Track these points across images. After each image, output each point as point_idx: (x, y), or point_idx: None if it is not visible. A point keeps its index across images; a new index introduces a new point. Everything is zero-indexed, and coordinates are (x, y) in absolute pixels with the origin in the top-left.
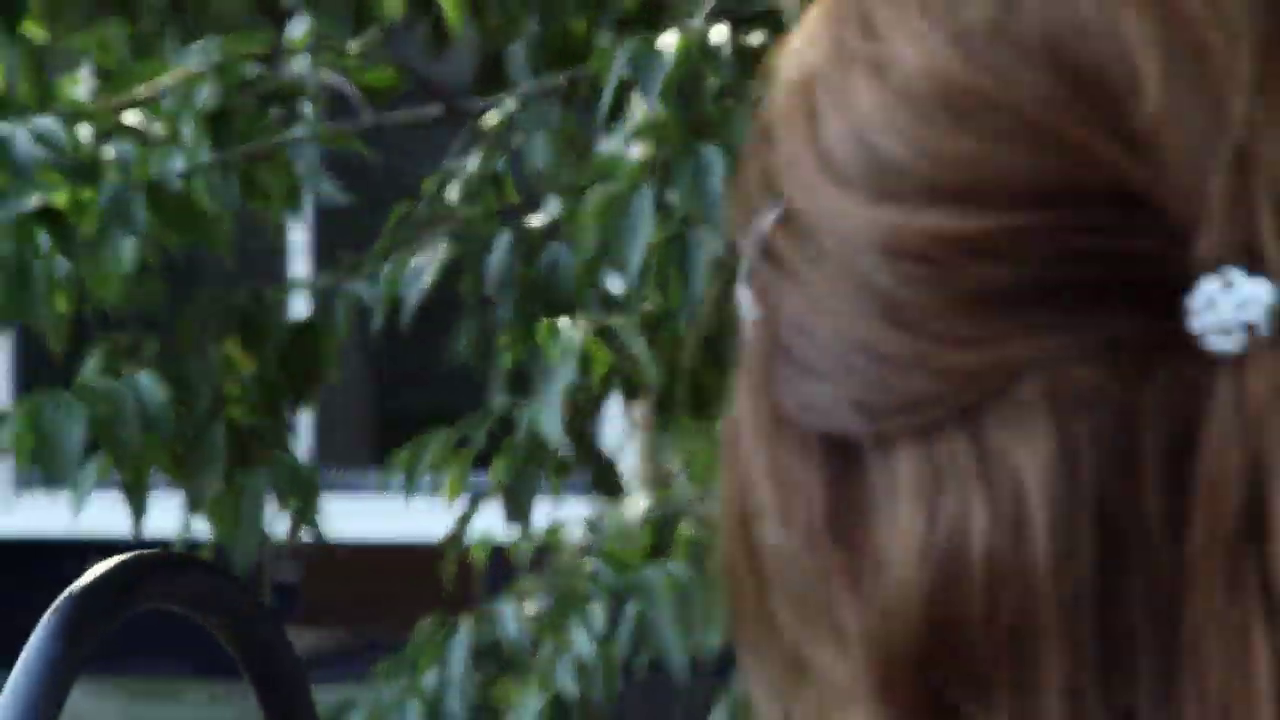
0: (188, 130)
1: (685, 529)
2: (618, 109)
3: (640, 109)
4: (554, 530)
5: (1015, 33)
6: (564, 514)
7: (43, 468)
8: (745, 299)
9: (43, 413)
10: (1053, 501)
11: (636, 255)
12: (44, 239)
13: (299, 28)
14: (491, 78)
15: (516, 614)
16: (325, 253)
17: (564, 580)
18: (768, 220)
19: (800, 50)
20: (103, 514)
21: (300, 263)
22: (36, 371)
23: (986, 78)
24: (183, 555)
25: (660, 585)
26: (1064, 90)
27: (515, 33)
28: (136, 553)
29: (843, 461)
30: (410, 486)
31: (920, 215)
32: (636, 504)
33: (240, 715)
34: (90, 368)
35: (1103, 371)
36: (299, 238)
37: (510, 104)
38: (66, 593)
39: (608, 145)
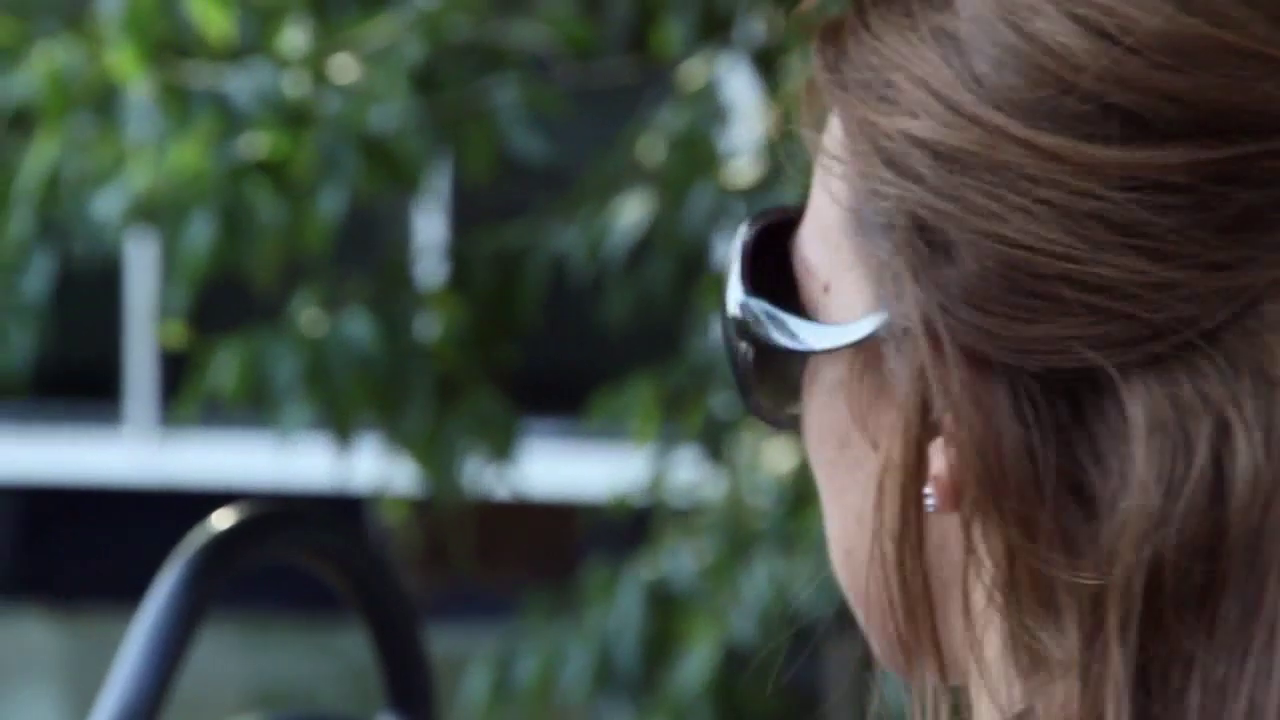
0: (395, 82)
1: None
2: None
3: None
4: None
5: None
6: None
7: (255, 404)
8: (924, 248)
9: (257, 352)
10: None
11: None
12: (257, 187)
13: None
14: (644, 44)
15: (688, 557)
16: (461, 210)
17: (733, 522)
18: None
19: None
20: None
21: (433, 220)
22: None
23: (1208, 23)
24: (297, 505)
25: (816, 532)
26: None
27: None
28: (250, 504)
29: (1064, 404)
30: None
31: (1174, 150)
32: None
33: (349, 655)
34: (301, 309)
35: None
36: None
37: (706, 64)
38: (190, 544)
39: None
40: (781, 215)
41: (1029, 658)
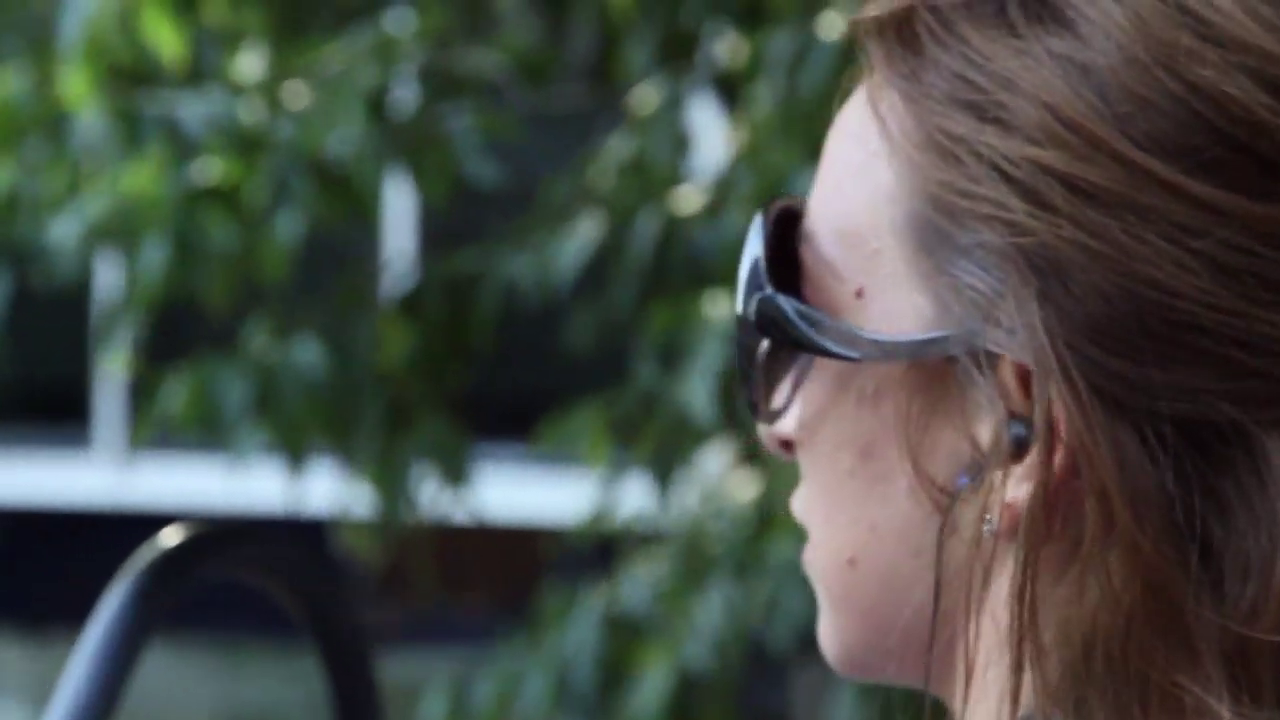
0: (349, 109)
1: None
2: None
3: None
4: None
5: None
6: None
7: (206, 431)
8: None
9: (207, 378)
10: None
11: None
12: (210, 213)
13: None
14: (605, 69)
15: (645, 583)
16: (428, 230)
17: (690, 549)
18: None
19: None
20: (252, 485)
21: (398, 238)
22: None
23: None
24: (248, 524)
25: (786, 559)
26: None
27: (631, 26)
28: (202, 523)
29: (1198, 452)
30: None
31: None
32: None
33: (310, 680)
34: (252, 336)
35: None
36: (398, 213)
37: (653, 90)
38: (136, 563)
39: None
40: (787, 208)
41: (1156, 697)
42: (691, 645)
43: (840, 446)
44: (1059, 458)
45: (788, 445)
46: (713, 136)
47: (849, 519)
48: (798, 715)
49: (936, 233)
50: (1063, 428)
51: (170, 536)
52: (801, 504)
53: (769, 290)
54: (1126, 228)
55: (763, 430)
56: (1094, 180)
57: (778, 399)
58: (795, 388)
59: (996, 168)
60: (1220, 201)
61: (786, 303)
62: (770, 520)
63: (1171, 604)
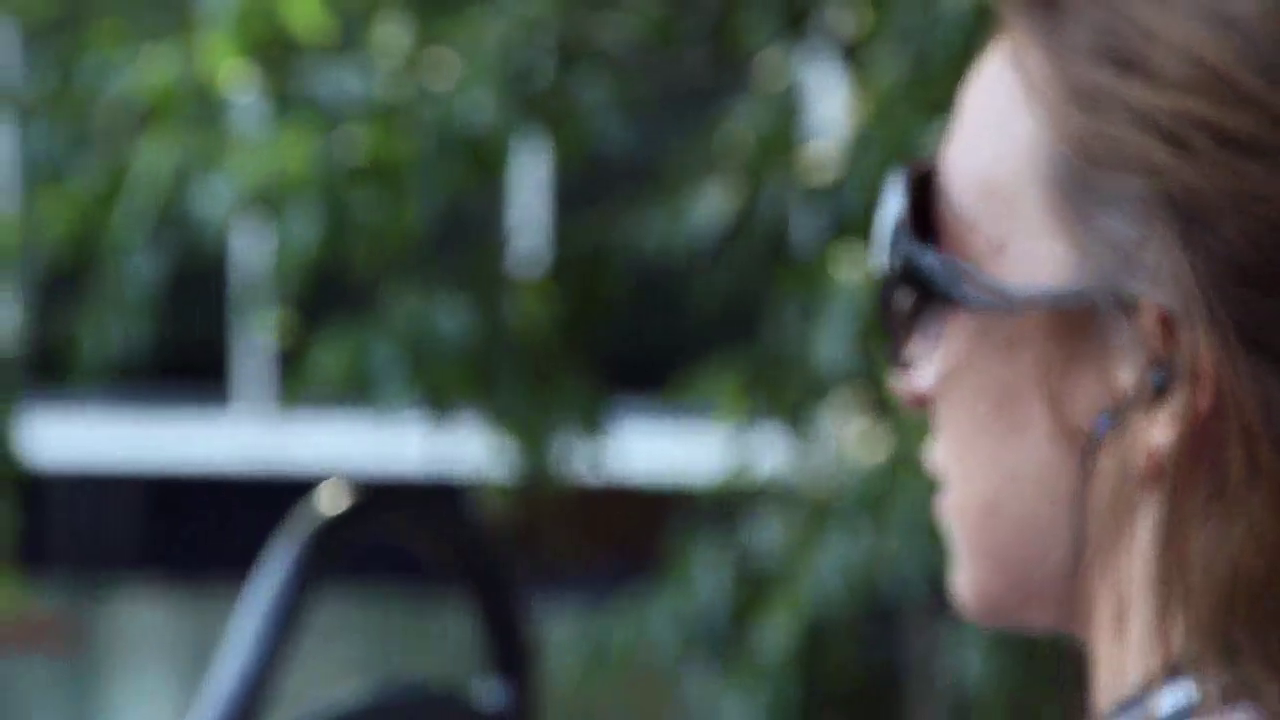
0: (491, 82)
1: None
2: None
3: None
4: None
5: None
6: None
7: (356, 391)
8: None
9: (357, 340)
10: None
11: None
12: (358, 186)
13: None
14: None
15: (773, 536)
16: (560, 196)
17: (816, 503)
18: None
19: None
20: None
21: (531, 204)
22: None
23: None
24: (406, 489)
25: (909, 513)
26: None
27: None
28: (367, 486)
29: None
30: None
31: None
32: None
33: (440, 643)
34: (398, 300)
35: None
36: (531, 180)
37: (776, 57)
38: (296, 524)
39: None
40: (922, 167)
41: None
42: (816, 596)
43: (979, 396)
44: (1203, 400)
45: (922, 400)
46: (831, 101)
47: (988, 467)
48: (917, 666)
49: (1078, 180)
50: (1206, 370)
51: (330, 500)
52: (939, 455)
53: (911, 245)
54: (1270, 172)
55: (900, 383)
56: (1238, 127)
57: (918, 352)
58: (936, 340)
59: (1141, 116)
60: None
61: (928, 256)
62: (895, 474)
63: None
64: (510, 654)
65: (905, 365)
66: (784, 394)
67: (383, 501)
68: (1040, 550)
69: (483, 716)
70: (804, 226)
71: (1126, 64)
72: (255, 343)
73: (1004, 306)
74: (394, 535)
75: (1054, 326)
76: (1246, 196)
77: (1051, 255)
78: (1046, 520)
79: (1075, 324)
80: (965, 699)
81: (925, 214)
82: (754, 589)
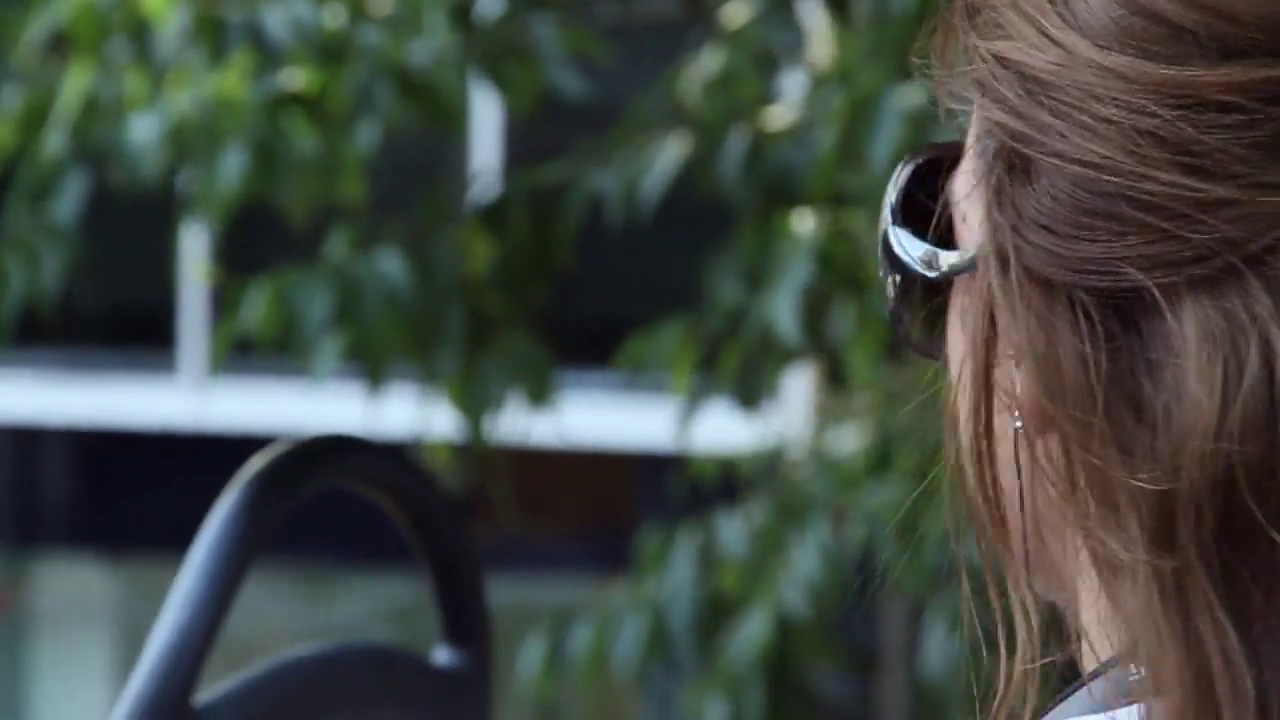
0: (434, 17)
1: (908, 450)
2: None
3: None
4: (776, 449)
5: None
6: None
7: (285, 343)
8: (977, 171)
9: (287, 289)
10: None
11: (883, 151)
12: (292, 120)
13: None
14: None
15: (740, 526)
16: (514, 145)
17: (786, 494)
18: (1008, 96)
19: None
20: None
21: (483, 152)
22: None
23: None
24: (359, 436)
25: (882, 501)
26: None
27: None
28: (315, 433)
29: (1116, 319)
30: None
31: (1220, 69)
32: (862, 419)
33: (403, 605)
34: (334, 248)
35: None
36: (484, 127)
37: (744, 4)
38: (246, 471)
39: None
40: (942, 151)
41: (1097, 565)
42: (788, 587)
43: (953, 362)
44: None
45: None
46: (800, 57)
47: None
48: (890, 653)
49: (978, 146)
50: (999, 313)
51: (274, 449)
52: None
53: (890, 225)
54: (1058, 107)
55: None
56: (1037, 66)
57: (919, 330)
58: (914, 315)
59: (981, 73)
60: (1125, 69)
61: (901, 234)
62: (865, 458)
63: (1099, 470)
64: (465, 615)
65: (909, 343)
66: (733, 359)
67: (328, 448)
68: (1013, 517)
69: (438, 675)
70: (764, 182)
71: (996, 30)
72: (199, 303)
73: (938, 277)
74: (347, 485)
75: (974, 294)
76: (1036, 136)
77: (976, 220)
78: (1005, 485)
79: (977, 288)
80: (937, 687)
81: (929, 193)
82: (723, 580)
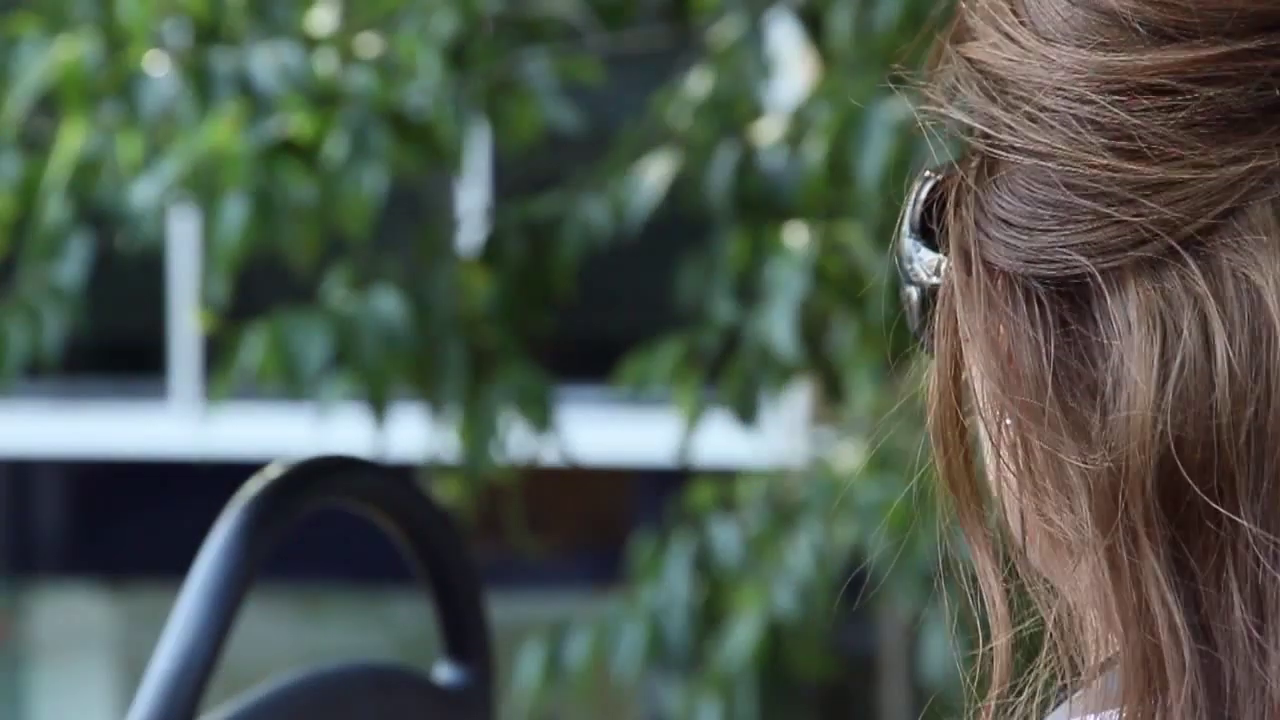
0: (426, 59)
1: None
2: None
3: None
4: (777, 473)
5: None
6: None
7: (286, 385)
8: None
9: (285, 331)
10: None
11: (872, 165)
12: (288, 168)
13: None
14: (681, 9)
15: (734, 531)
16: (505, 179)
17: (779, 499)
18: (970, 96)
19: None
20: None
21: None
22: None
23: None
24: (357, 456)
25: (873, 506)
26: None
27: None
28: (312, 454)
29: (1068, 306)
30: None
31: (1151, 53)
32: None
33: (395, 632)
34: (331, 289)
35: None
36: (474, 162)
37: (735, 25)
38: (244, 493)
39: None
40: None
41: (1051, 546)
42: (781, 592)
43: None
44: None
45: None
46: (796, 70)
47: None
48: (887, 657)
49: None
50: (958, 307)
51: (274, 469)
52: None
53: (903, 236)
54: (1010, 102)
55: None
56: (995, 64)
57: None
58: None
59: (951, 72)
60: (1066, 59)
61: (911, 245)
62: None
63: (1051, 455)
64: (465, 632)
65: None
66: (732, 375)
67: (325, 468)
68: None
69: (441, 694)
70: (754, 197)
71: (971, 38)
72: (191, 334)
73: (930, 282)
74: (347, 504)
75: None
76: (1001, 132)
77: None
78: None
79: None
80: (935, 689)
81: (933, 213)
82: (717, 586)
